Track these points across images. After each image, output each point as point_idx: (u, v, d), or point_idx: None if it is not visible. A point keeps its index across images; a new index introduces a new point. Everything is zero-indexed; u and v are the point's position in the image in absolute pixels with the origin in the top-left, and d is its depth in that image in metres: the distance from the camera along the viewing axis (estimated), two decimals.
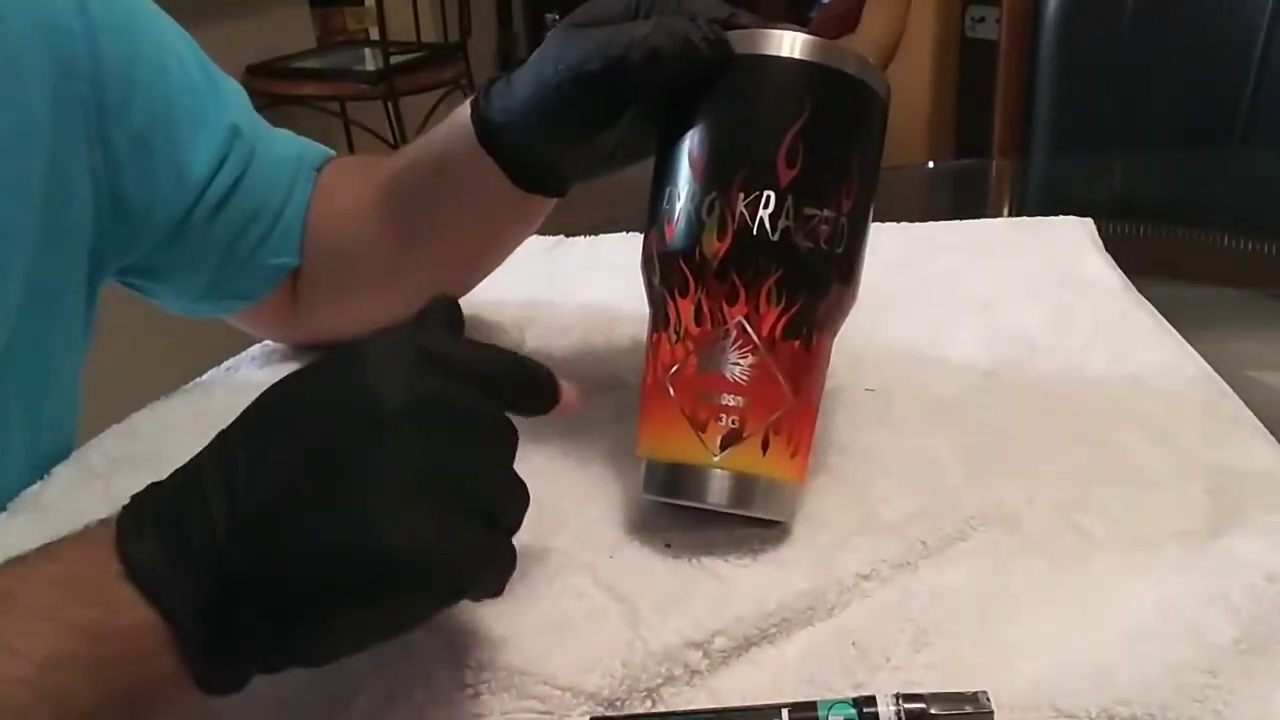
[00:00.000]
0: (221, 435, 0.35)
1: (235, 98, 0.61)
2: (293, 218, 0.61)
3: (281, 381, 0.36)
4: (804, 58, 0.44)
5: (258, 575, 0.32)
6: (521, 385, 0.39)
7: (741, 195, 0.43)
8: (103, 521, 0.34)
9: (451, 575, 0.33)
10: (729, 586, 0.42)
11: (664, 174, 0.45)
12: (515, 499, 0.37)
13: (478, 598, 0.37)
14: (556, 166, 0.54)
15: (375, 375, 0.34)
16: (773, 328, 0.43)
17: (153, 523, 0.33)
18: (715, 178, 0.43)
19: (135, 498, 0.34)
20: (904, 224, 0.82)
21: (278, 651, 0.33)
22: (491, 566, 0.36)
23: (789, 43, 0.44)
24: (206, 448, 0.35)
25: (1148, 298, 0.68)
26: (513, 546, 0.37)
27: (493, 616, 0.41)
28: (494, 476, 0.36)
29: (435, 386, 0.35)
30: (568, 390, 0.40)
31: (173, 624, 0.32)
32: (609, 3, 0.47)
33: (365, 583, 0.32)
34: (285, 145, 0.63)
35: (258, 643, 0.33)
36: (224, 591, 0.32)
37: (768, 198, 0.43)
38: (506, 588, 0.42)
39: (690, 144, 0.44)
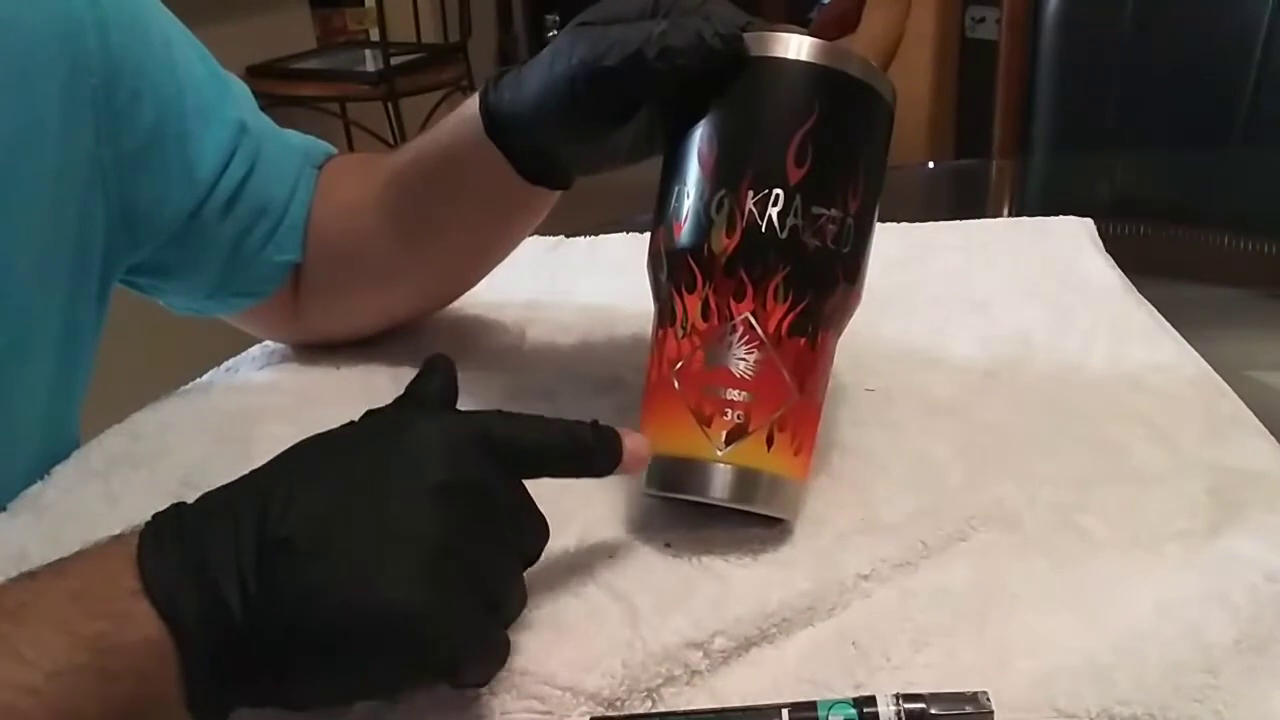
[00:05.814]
0: (259, 470, 0.36)
1: (241, 94, 0.61)
2: (297, 214, 0.61)
3: (328, 431, 0.37)
4: (814, 60, 0.44)
5: (268, 606, 0.32)
6: (571, 458, 0.40)
7: (751, 193, 0.43)
8: (115, 538, 0.34)
9: (445, 648, 0.34)
10: (729, 586, 0.42)
11: (673, 172, 0.46)
12: (518, 595, 0.38)
13: (464, 685, 0.37)
14: (563, 160, 0.54)
15: (425, 445, 0.36)
16: (779, 324, 0.44)
17: (175, 541, 0.33)
18: (725, 176, 0.44)
19: (157, 516, 0.35)
20: (904, 224, 0.82)
21: (269, 685, 0.33)
22: (484, 651, 0.36)
23: (798, 46, 0.44)
24: (240, 479, 0.36)
25: (1148, 298, 0.68)
26: (507, 639, 0.37)
27: None
28: (506, 569, 0.37)
29: (477, 472, 0.36)
30: (634, 445, 0.41)
31: (180, 643, 0.32)
32: (624, 3, 0.47)
33: (361, 635, 0.33)
34: (290, 141, 0.63)
35: (253, 676, 0.33)
36: (236, 618, 0.32)
37: (777, 196, 0.43)
38: None
39: (700, 143, 0.45)
